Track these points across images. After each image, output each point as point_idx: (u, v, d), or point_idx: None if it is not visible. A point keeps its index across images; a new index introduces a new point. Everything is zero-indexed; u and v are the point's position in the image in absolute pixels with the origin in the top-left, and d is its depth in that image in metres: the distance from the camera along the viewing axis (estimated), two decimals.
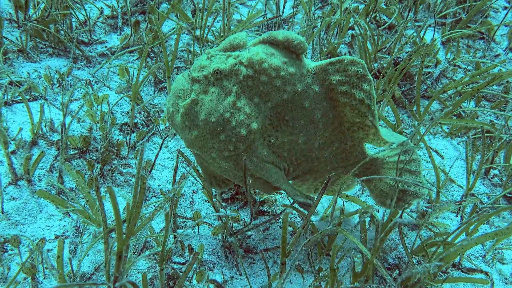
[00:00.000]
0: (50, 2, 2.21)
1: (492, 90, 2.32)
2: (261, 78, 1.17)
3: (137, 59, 2.36)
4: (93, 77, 2.19)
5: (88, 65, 2.27)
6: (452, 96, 2.28)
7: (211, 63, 1.20)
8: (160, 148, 1.73)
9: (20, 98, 1.94)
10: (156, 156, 1.74)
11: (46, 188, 1.65)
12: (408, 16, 2.66)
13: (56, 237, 1.52)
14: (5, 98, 1.86)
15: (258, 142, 1.26)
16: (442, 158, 1.89)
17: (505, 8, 3.00)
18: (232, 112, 1.19)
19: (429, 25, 2.81)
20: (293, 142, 1.29)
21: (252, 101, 1.20)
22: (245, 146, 1.23)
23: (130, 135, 1.87)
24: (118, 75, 2.25)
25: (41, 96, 1.97)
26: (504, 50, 2.69)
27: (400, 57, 2.30)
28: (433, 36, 2.53)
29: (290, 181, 1.50)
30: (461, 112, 2.15)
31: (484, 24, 2.69)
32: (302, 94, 1.21)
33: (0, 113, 1.65)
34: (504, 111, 2.17)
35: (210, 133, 1.21)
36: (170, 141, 2.00)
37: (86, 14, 2.36)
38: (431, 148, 1.97)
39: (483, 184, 1.87)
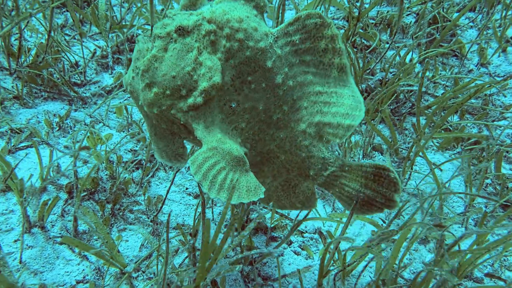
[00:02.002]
0: (45, 47, 2.23)
1: (472, 104, 2.48)
2: (224, 31, 1.15)
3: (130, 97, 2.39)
4: (91, 117, 2.21)
5: (84, 106, 2.28)
6: (437, 111, 2.42)
7: (173, 21, 1.18)
8: (172, 182, 1.76)
9: (22, 145, 1.93)
10: (168, 192, 1.76)
11: (60, 233, 1.64)
12: (393, 38, 2.81)
13: (78, 282, 1.51)
14: (9, 146, 1.85)
15: (217, 104, 1.20)
16: (441, 170, 1.99)
17: (471, 27, 3.22)
18: (194, 66, 1.16)
19: (404, 45, 2.97)
20: (254, 109, 1.23)
21: (215, 56, 1.16)
22: (203, 100, 1.17)
23: (143, 174, 1.89)
24: (115, 113, 2.27)
25: (43, 141, 1.97)
26: (476, 66, 2.87)
27: (387, 78, 2.43)
28: (412, 55, 2.69)
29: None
30: (448, 126, 2.28)
31: (456, 42, 2.87)
32: (265, 53, 1.17)
33: (8, 162, 1.65)
34: (488, 121, 2.31)
35: (170, 89, 1.17)
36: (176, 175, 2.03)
37: (83, 56, 2.39)
38: (432, 163, 2.07)
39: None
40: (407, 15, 3.24)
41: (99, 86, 2.42)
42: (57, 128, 2.07)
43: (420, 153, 2.03)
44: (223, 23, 1.14)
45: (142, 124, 2.19)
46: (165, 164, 2.05)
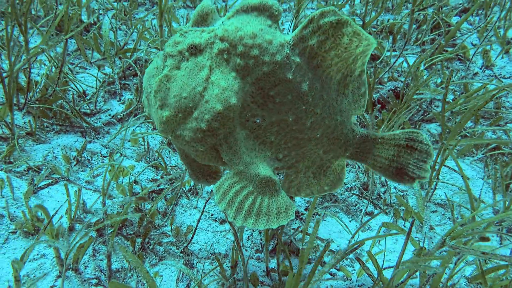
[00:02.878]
0: (56, 80, 2.18)
1: (485, 108, 2.49)
2: (237, 49, 1.09)
3: (143, 122, 2.35)
4: (106, 148, 2.16)
5: (97, 136, 2.24)
6: (451, 117, 2.43)
7: (185, 39, 1.13)
8: (202, 212, 1.72)
9: (43, 183, 1.88)
10: (198, 222, 1.73)
11: (95, 274, 1.59)
12: (404, 46, 2.82)
13: None
14: (32, 187, 1.79)
15: (237, 122, 1.14)
16: (468, 178, 1.99)
17: (470, 30, 3.25)
18: (205, 86, 1.10)
19: (412, 53, 2.99)
20: (283, 122, 1.17)
21: (229, 75, 1.10)
22: (220, 125, 1.11)
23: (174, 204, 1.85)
24: (129, 141, 2.22)
25: (63, 178, 1.92)
26: (481, 68, 2.90)
27: (398, 87, 2.43)
28: (415, 62, 2.70)
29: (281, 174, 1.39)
30: (466, 133, 2.29)
31: (461, 47, 2.90)
32: (283, 66, 1.11)
33: (44, 208, 1.59)
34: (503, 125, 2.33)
35: (182, 112, 1.11)
36: (198, 201, 1.99)
37: (96, 88, 2.34)
38: (455, 170, 2.07)
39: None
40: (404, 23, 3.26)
41: (109, 115, 2.38)
42: (75, 163, 2.02)
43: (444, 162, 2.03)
44: (236, 41, 1.09)
45: (161, 150, 2.15)
46: (202, 185, 1.99)
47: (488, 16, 3.10)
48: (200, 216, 1.72)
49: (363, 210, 1.94)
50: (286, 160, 1.25)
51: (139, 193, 1.91)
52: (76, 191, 1.77)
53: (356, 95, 1.29)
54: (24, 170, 1.92)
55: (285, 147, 1.22)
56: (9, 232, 1.67)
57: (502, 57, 2.94)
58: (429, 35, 2.94)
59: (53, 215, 1.57)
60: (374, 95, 2.52)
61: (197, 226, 1.74)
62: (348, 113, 1.29)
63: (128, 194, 1.86)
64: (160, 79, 1.12)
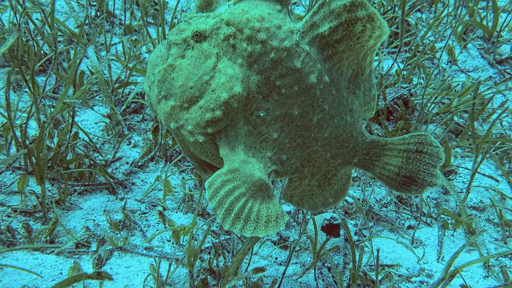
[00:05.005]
0: (69, 136, 1.95)
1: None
2: (244, 33, 1.03)
3: (165, 164, 2.22)
4: (142, 203, 2.02)
5: (125, 190, 2.07)
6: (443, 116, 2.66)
7: (189, 26, 1.09)
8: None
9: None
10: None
11: None
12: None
13: None
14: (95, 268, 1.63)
15: (241, 115, 1.09)
16: (498, 181, 2.22)
17: (424, 26, 3.53)
18: (212, 75, 1.06)
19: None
20: (287, 116, 1.10)
21: (236, 62, 1.05)
22: (223, 113, 1.07)
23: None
24: (161, 190, 2.10)
25: (119, 248, 1.77)
26: (446, 64, 3.19)
27: (404, 94, 2.59)
28: (392, 66, 2.89)
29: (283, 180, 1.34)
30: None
31: (431, 47, 3.15)
32: (292, 53, 1.05)
33: None
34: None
35: (187, 102, 1.07)
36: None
37: (107, 134, 2.13)
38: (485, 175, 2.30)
39: None
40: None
41: (126, 163, 2.20)
42: (121, 227, 1.87)
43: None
44: (243, 24, 1.03)
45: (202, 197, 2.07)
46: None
47: (438, 12, 3.38)
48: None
49: (414, 224, 2.08)
50: (291, 163, 1.17)
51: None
52: (152, 264, 1.65)
53: (367, 97, 1.24)
54: (74, 251, 1.73)
55: (289, 146, 1.14)
56: None
57: (461, 52, 3.26)
58: (405, 38, 3.13)
59: None
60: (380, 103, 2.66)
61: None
62: (359, 115, 1.23)
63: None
64: (164, 69, 1.09)
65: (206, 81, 1.05)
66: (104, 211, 1.92)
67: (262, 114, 1.08)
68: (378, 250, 1.64)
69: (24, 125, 1.83)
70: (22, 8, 2.15)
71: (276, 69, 1.05)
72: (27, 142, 1.84)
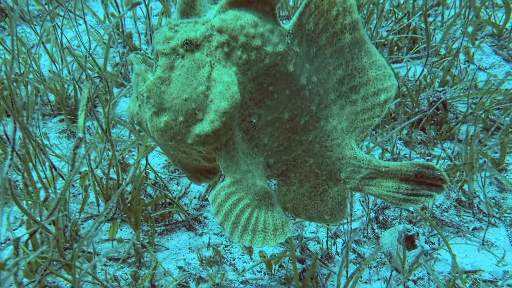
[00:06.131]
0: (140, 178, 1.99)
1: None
2: (238, 40, 1.00)
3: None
4: (221, 236, 2.07)
5: (200, 225, 2.12)
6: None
7: (177, 33, 1.02)
8: None
9: None
10: None
11: None
12: (426, 60, 3.08)
13: None
14: None
15: (236, 122, 1.06)
16: None
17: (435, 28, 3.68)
18: (208, 85, 1.01)
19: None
20: (278, 121, 1.10)
21: (231, 70, 1.01)
22: (222, 123, 1.02)
23: None
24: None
25: (217, 284, 1.81)
26: (464, 64, 3.34)
27: (440, 97, 2.71)
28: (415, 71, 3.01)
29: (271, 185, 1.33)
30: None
31: (452, 50, 3.28)
32: (285, 56, 1.03)
33: None
34: None
35: (183, 115, 1.02)
36: None
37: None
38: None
39: None
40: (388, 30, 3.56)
41: (195, 197, 2.25)
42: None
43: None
44: (237, 31, 0.99)
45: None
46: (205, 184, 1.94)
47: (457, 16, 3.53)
48: None
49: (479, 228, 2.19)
50: (277, 167, 1.18)
51: None
52: None
53: (369, 103, 1.19)
54: None
55: (276, 150, 1.14)
56: None
57: (476, 51, 3.42)
58: (422, 43, 3.27)
59: None
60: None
61: None
62: (352, 124, 1.20)
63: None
64: (152, 83, 1.02)
65: (202, 92, 1.01)
66: (189, 248, 1.96)
67: (254, 120, 1.07)
68: (454, 256, 1.73)
69: (106, 174, 1.87)
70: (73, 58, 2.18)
71: (269, 74, 1.03)
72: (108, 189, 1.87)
